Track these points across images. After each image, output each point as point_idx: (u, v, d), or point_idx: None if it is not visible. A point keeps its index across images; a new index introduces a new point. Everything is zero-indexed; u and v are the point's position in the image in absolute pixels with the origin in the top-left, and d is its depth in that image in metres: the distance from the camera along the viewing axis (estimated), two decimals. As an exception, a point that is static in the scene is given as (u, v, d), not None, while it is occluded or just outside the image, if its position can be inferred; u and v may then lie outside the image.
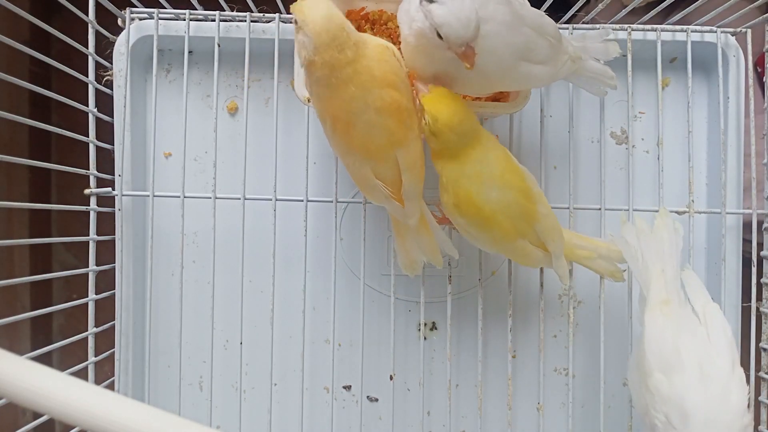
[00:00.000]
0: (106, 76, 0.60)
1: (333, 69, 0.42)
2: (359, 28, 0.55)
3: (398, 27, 0.55)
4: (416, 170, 0.48)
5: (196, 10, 0.59)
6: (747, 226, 0.58)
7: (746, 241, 0.59)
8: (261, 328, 0.61)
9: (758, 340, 0.58)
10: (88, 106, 0.58)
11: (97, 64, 0.59)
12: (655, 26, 0.59)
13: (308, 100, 0.52)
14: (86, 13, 0.57)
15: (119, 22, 0.60)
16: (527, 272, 0.61)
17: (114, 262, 0.60)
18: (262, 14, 0.59)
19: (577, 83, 0.56)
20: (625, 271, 0.55)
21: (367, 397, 0.63)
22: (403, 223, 0.51)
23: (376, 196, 0.49)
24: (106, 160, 0.61)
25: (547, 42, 0.48)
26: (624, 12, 0.60)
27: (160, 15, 0.59)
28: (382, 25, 0.55)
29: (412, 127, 0.46)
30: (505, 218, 0.49)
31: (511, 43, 0.46)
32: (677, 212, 0.58)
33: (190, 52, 0.60)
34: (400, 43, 0.55)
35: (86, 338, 0.58)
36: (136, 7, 0.60)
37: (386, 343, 0.60)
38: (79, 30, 0.58)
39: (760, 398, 0.57)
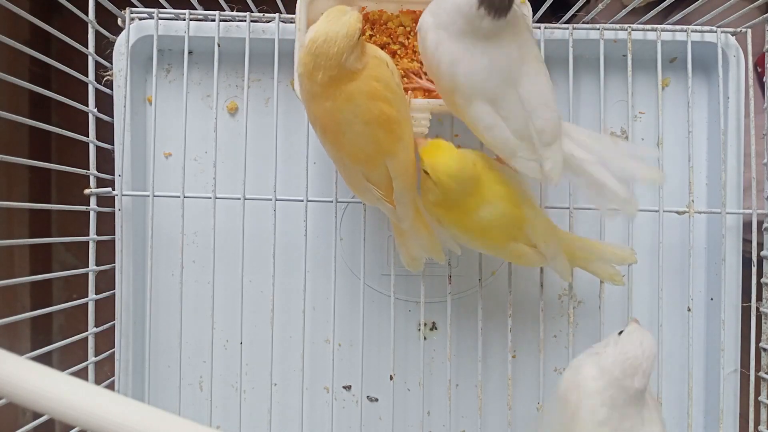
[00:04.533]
0: (106, 76, 0.60)
1: (323, 87, 0.43)
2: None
3: (397, 27, 0.55)
4: (407, 177, 0.48)
5: (196, 10, 0.59)
6: (747, 226, 0.58)
7: (746, 241, 0.58)
8: (261, 328, 0.61)
9: (758, 340, 0.58)
10: (88, 106, 0.58)
11: (97, 64, 0.59)
12: (655, 26, 0.59)
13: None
14: (86, 13, 0.57)
15: (119, 22, 0.60)
16: (527, 272, 0.61)
17: (114, 262, 0.60)
18: (262, 14, 0.59)
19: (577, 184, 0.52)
20: (624, 275, 0.55)
21: (367, 397, 0.63)
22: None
23: (368, 198, 0.50)
24: (106, 160, 0.61)
25: (524, 116, 0.46)
26: (624, 12, 0.60)
27: (160, 15, 0.59)
28: (382, 25, 0.55)
29: (402, 137, 0.47)
30: (497, 230, 0.49)
31: (480, 85, 0.45)
32: (677, 212, 0.58)
33: (190, 52, 0.60)
34: (399, 43, 0.55)
35: (86, 338, 0.58)
36: (136, 7, 0.60)
37: (386, 343, 0.60)
38: (79, 30, 0.58)
39: (760, 398, 0.57)
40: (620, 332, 0.46)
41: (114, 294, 0.60)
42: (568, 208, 0.58)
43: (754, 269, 0.57)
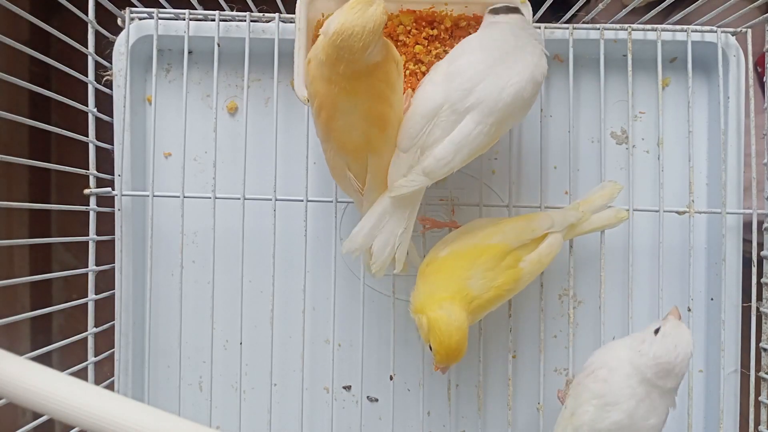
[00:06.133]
0: (106, 76, 0.60)
1: (338, 75, 0.43)
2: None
3: (397, 26, 0.55)
4: (382, 175, 0.48)
5: (196, 9, 0.59)
6: (747, 226, 0.58)
7: (746, 241, 0.58)
8: (261, 328, 0.61)
9: (758, 340, 0.58)
10: (87, 106, 0.58)
11: (97, 64, 0.59)
12: (655, 26, 0.59)
13: (308, 100, 0.52)
14: (86, 13, 0.57)
15: (119, 22, 0.60)
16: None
17: (114, 262, 0.60)
18: (262, 14, 0.59)
19: None
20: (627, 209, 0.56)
21: (367, 397, 0.63)
22: None
23: (345, 186, 0.50)
24: (106, 160, 0.61)
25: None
26: (624, 12, 0.60)
27: (159, 15, 0.59)
28: (382, 24, 0.55)
29: (390, 139, 0.47)
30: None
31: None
32: (677, 212, 0.58)
33: (189, 52, 0.60)
34: (399, 41, 0.55)
35: (86, 338, 0.58)
36: (136, 6, 0.60)
37: (386, 343, 0.60)
38: (79, 30, 0.58)
39: (760, 398, 0.57)
40: (657, 330, 0.47)
41: (114, 294, 0.60)
42: (568, 208, 0.58)
43: (754, 269, 0.57)
